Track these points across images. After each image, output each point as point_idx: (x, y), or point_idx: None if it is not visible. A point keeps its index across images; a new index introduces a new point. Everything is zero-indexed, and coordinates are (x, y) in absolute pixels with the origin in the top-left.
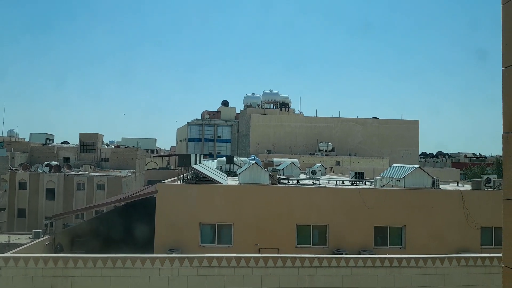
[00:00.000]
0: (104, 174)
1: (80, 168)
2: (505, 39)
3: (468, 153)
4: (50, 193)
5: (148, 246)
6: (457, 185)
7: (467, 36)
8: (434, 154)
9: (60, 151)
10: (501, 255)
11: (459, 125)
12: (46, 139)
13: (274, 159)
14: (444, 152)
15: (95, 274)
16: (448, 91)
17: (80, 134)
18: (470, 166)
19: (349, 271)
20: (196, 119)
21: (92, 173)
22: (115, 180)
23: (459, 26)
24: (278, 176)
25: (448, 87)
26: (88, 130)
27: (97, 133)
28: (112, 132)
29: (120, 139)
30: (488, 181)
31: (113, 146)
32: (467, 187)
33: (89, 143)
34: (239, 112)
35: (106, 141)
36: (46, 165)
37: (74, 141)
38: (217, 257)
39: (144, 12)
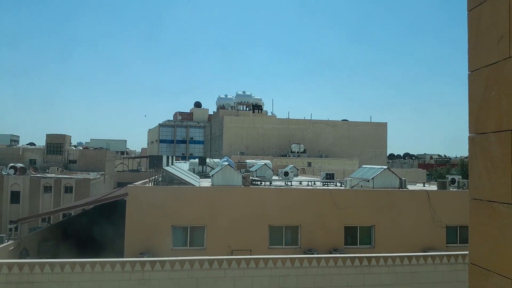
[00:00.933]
0: (72, 176)
1: (47, 170)
2: (471, 44)
3: (433, 155)
4: (15, 196)
5: (118, 249)
6: (424, 186)
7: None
8: (402, 155)
9: (26, 152)
10: (466, 252)
11: (425, 128)
12: (11, 140)
13: (247, 161)
14: (411, 153)
15: (63, 280)
16: (415, 94)
17: (47, 135)
18: (436, 167)
19: (320, 270)
20: (168, 120)
21: (60, 176)
22: (84, 183)
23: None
24: (251, 178)
25: (415, 91)
26: (55, 131)
27: (65, 134)
28: (80, 133)
29: (89, 141)
30: (453, 181)
31: (81, 148)
32: (433, 187)
33: (56, 144)
34: (212, 113)
35: (74, 142)
36: (11, 167)
37: (41, 142)
38: (189, 260)
39: (115, 8)
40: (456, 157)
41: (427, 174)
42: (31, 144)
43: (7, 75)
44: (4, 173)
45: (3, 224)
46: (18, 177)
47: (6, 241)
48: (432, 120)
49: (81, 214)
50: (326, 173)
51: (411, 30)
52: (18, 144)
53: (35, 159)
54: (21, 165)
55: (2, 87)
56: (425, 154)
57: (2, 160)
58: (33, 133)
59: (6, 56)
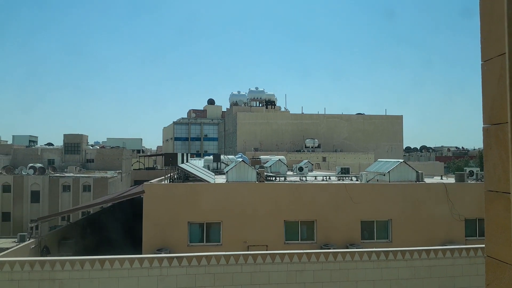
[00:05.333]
0: (90, 175)
1: (65, 170)
2: (483, 33)
3: (451, 147)
4: (35, 195)
5: (136, 246)
6: (441, 178)
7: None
8: (418, 148)
9: (44, 153)
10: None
11: (442, 120)
12: (30, 141)
13: (261, 157)
14: (427, 146)
15: (83, 276)
16: (431, 86)
17: (64, 135)
18: (454, 160)
19: (337, 265)
20: (182, 118)
21: (78, 175)
22: (101, 181)
23: (446, 21)
24: (265, 173)
25: (431, 82)
26: (72, 131)
27: (82, 134)
28: (97, 132)
29: (105, 140)
30: (471, 173)
31: (98, 147)
32: (451, 180)
33: (73, 144)
34: (225, 110)
35: (91, 142)
36: (30, 167)
37: (58, 142)
38: (206, 256)
39: (136, 12)
40: (474, 149)
41: (444, 167)
42: (49, 144)
43: (24, 77)
44: (23, 173)
45: (24, 223)
46: (37, 177)
47: (28, 239)
48: (449, 111)
49: (100, 212)
50: (341, 168)
51: (424, 19)
52: (37, 144)
53: (54, 159)
54: (40, 165)
55: (20, 89)
56: (442, 146)
57: (22, 161)
58: (51, 134)
59: (23, 57)
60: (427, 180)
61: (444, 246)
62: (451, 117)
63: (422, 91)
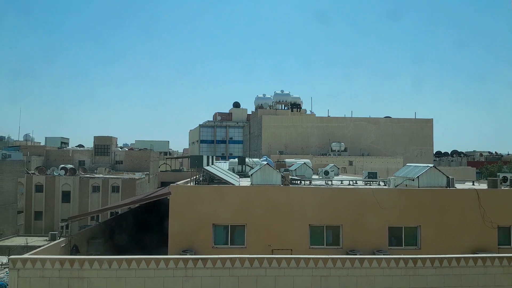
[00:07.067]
0: (119, 176)
1: (95, 171)
2: None
3: (484, 152)
4: (66, 195)
5: (162, 247)
6: (473, 184)
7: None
8: (449, 153)
9: (75, 154)
10: None
11: (474, 124)
12: (61, 142)
13: (286, 160)
14: (459, 150)
15: (111, 275)
16: (462, 88)
17: (95, 137)
18: (486, 165)
19: (363, 271)
20: (208, 121)
21: (107, 176)
22: (129, 182)
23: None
24: (290, 177)
25: (464, 85)
26: (102, 133)
27: (111, 136)
28: (126, 135)
29: (134, 142)
30: (504, 179)
31: (126, 149)
32: (483, 186)
33: (103, 146)
34: (250, 113)
35: (120, 144)
36: (62, 168)
37: (89, 144)
38: (230, 258)
39: (155, 11)
40: (508, 154)
41: (476, 172)
42: (80, 146)
43: (57, 82)
44: (55, 174)
45: (55, 222)
46: (68, 177)
47: (58, 238)
48: (482, 114)
49: (128, 213)
50: (368, 172)
51: (454, 25)
52: (68, 146)
53: (84, 160)
54: (71, 166)
55: (54, 93)
56: (474, 151)
57: (54, 162)
58: (82, 136)
59: (56, 61)
60: (458, 186)
61: (475, 254)
62: (484, 120)
63: (452, 93)
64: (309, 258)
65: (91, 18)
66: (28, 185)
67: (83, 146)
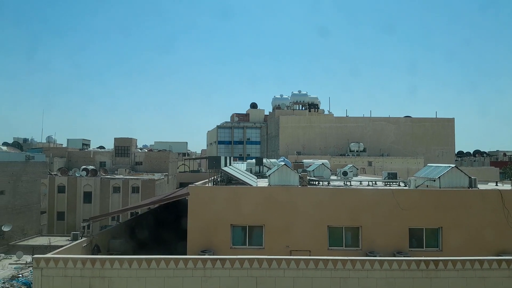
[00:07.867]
0: (138, 177)
1: (116, 172)
2: None
3: (507, 151)
4: (87, 196)
5: (181, 247)
6: (496, 185)
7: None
8: (471, 152)
9: (96, 155)
10: None
11: (497, 122)
12: (83, 144)
13: (304, 161)
14: (481, 150)
15: (131, 275)
16: (484, 86)
17: (115, 139)
18: (510, 165)
19: (383, 273)
20: (226, 121)
21: (127, 177)
22: (149, 183)
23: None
24: (308, 178)
25: (484, 82)
26: (122, 134)
27: (131, 138)
28: (145, 136)
29: (153, 143)
30: None
31: (146, 150)
32: (507, 186)
33: (123, 147)
34: (267, 114)
35: (139, 145)
36: (83, 169)
37: (109, 145)
38: (248, 259)
39: (174, 14)
40: None
41: (500, 173)
42: (101, 147)
43: (80, 83)
44: (77, 175)
45: (77, 222)
46: (89, 178)
47: (80, 238)
48: (505, 113)
49: (147, 213)
50: (388, 173)
51: (477, 20)
52: (89, 147)
53: (105, 162)
54: (92, 167)
55: (76, 95)
56: (497, 151)
57: (75, 163)
58: (102, 137)
59: (77, 62)
60: (481, 187)
61: (499, 257)
62: (507, 119)
63: (475, 91)
64: (327, 260)
65: (114, 37)
66: (51, 186)
67: (104, 148)
